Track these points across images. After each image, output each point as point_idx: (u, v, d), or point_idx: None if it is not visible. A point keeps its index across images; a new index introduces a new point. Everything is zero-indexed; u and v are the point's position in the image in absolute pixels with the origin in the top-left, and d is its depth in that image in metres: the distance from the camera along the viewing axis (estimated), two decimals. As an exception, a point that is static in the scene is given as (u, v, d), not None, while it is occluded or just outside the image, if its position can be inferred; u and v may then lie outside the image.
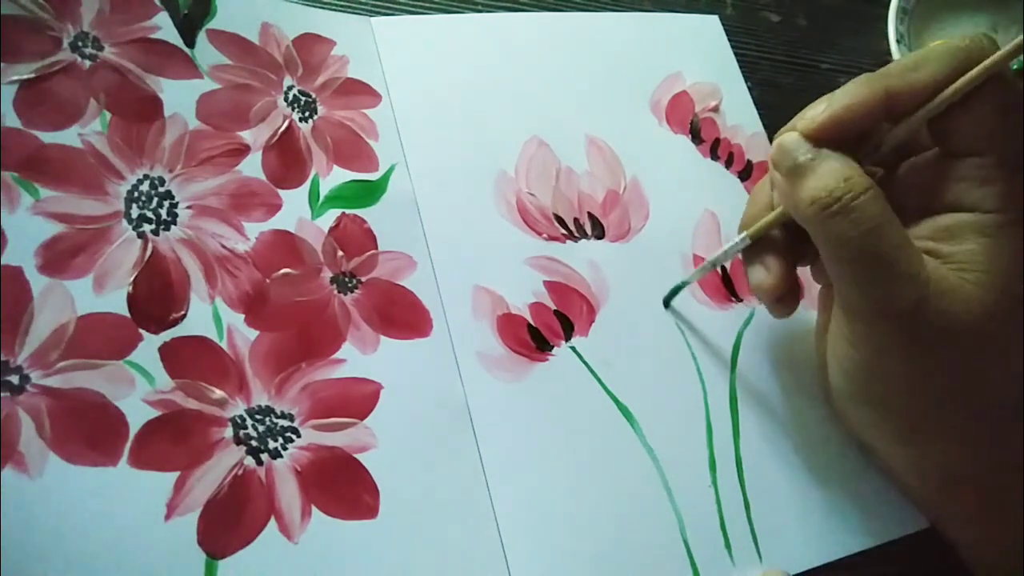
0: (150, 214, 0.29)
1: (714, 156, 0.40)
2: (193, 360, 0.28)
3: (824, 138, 0.27)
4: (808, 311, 0.37)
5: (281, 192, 0.32)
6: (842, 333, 0.29)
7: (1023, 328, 0.27)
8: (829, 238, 0.26)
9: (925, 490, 0.31)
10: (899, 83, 0.26)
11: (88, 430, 0.25)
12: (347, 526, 0.27)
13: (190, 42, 0.33)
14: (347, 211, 0.32)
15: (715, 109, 0.41)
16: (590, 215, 0.36)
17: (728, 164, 0.40)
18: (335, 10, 0.37)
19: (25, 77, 0.29)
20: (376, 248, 0.32)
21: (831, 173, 0.26)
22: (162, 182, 0.30)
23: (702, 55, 0.43)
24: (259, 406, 0.28)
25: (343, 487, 0.27)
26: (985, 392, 0.27)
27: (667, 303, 0.35)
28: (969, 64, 0.25)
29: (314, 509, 0.27)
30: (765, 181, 0.31)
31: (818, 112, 0.27)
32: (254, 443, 0.27)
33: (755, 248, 0.31)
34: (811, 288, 0.35)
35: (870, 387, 0.29)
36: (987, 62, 0.25)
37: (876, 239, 0.25)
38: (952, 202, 0.27)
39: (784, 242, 0.30)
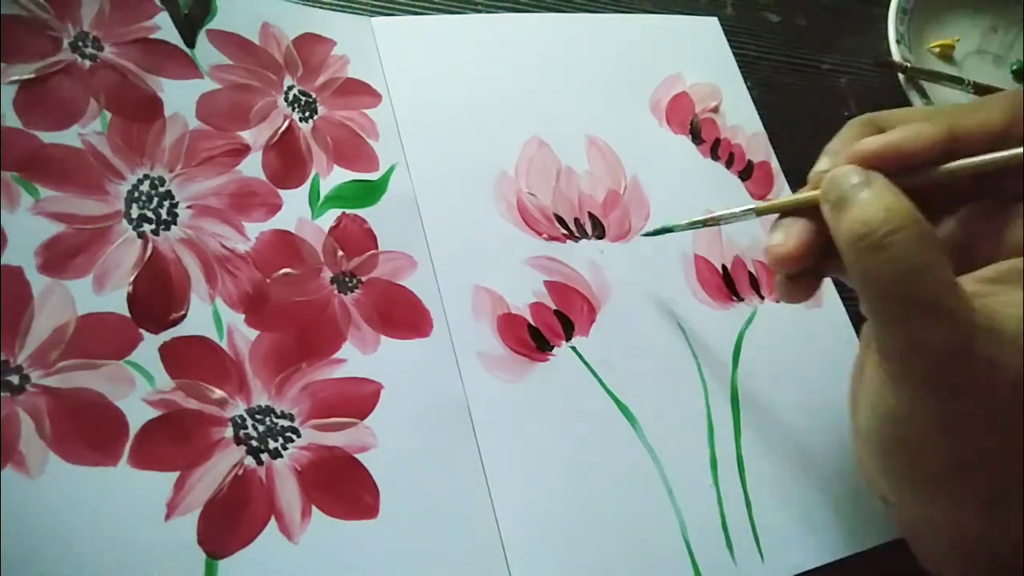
0: (150, 214, 0.29)
1: (714, 156, 0.40)
2: (193, 360, 0.28)
3: (877, 166, 0.25)
4: (812, 310, 0.37)
5: (281, 192, 0.32)
6: (876, 373, 0.26)
7: None
8: (863, 274, 0.24)
9: (942, 557, 0.28)
10: (961, 122, 0.25)
11: (88, 430, 0.25)
12: (347, 526, 0.27)
13: (190, 42, 0.33)
14: (347, 211, 0.32)
15: (715, 110, 0.41)
16: (590, 215, 0.36)
17: (728, 164, 0.40)
18: (335, 10, 0.37)
19: (25, 77, 0.29)
20: (376, 248, 0.32)
21: (871, 203, 0.24)
22: (162, 182, 0.30)
23: (702, 56, 0.43)
24: (259, 406, 0.28)
25: (343, 487, 0.27)
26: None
27: (647, 236, 0.35)
28: None
29: (314, 509, 0.27)
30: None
31: (874, 140, 0.25)
32: (254, 443, 0.27)
33: (787, 219, 0.28)
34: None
35: (898, 433, 0.26)
36: None
37: (913, 279, 0.23)
38: (1021, 244, 0.25)
39: (818, 229, 0.27)
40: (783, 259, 0.27)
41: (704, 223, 0.32)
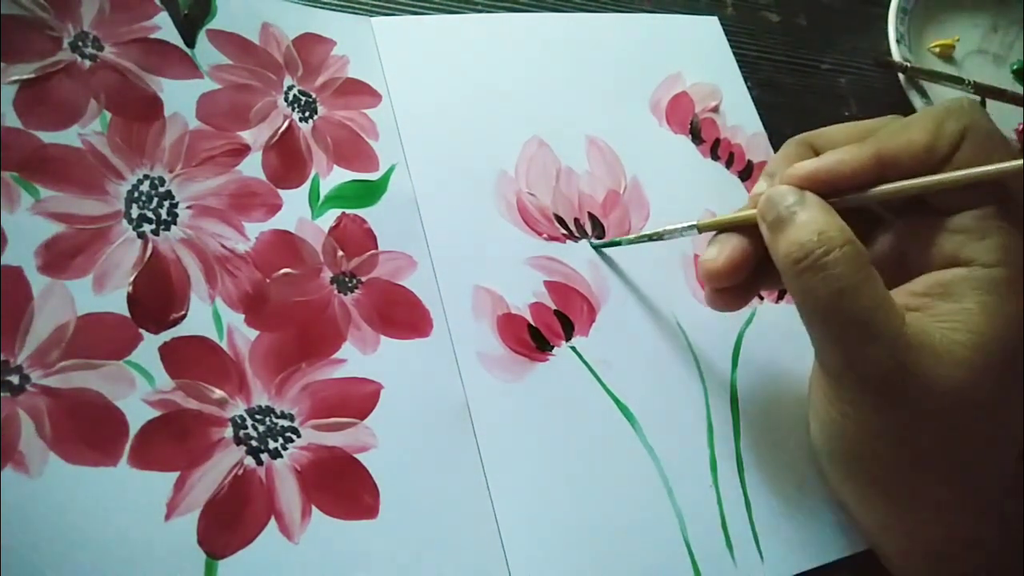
0: (150, 214, 0.29)
1: (714, 156, 0.40)
2: (193, 360, 0.28)
3: (811, 188, 0.26)
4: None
5: (281, 192, 0.32)
6: (821, 388, 0.28)
7: (1012, 397, 0.25)
8: (802, 295, 0.25)
9: (896, 559, 0.29)
10: (888, 145, 0.26)
11: (88, 430, 0.25)
12: (347, 526, 0.27)
13: (190, 42, 0.33)
14: (347, 211, 0.32)
15: (715, 109, 0.41)
16: (590, 215, 0.36)
17: (728, 164, 0.40)
18: (335, 10, 0.37)
19: (25, 77, 0.29)
20: (376, 248, 0.32)
21: (806, 225, 0.25)
22: (162, 182, 0.30)
23: (702, 56, 0.43)
24: (259, 406, 0.28)
25: (343, 487, 0.27)
26: (963, 463, 0.26)
27: (596, 248, 0.35)
28: (952, 127, 0.25)
29: (314, 509, 0.27)
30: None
31: (807, 164, 0.27)
32: (254, 443, 0.27)
33: (724, 235, 0.29)
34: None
35: (845, 446, 0.28)
36: (991, 168, 0.24)
37: (849, 299, 0.24)
38: (949, 256, 0.26)
39: (754, 246, 0.28)
40: (713, 273, 0.29)
41: (649, 237, 0.33)
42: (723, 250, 0.29)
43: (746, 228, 0.28)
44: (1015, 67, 0.50)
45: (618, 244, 0.35)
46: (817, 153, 0.29)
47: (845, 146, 0.27)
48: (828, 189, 0.26)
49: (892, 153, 0.26)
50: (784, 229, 0.26)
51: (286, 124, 0.33)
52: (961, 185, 0.25)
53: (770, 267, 0.27)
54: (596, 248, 0.35)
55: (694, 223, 0.31)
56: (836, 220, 0.25)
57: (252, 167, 0.32)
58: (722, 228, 0.29)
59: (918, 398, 0.25)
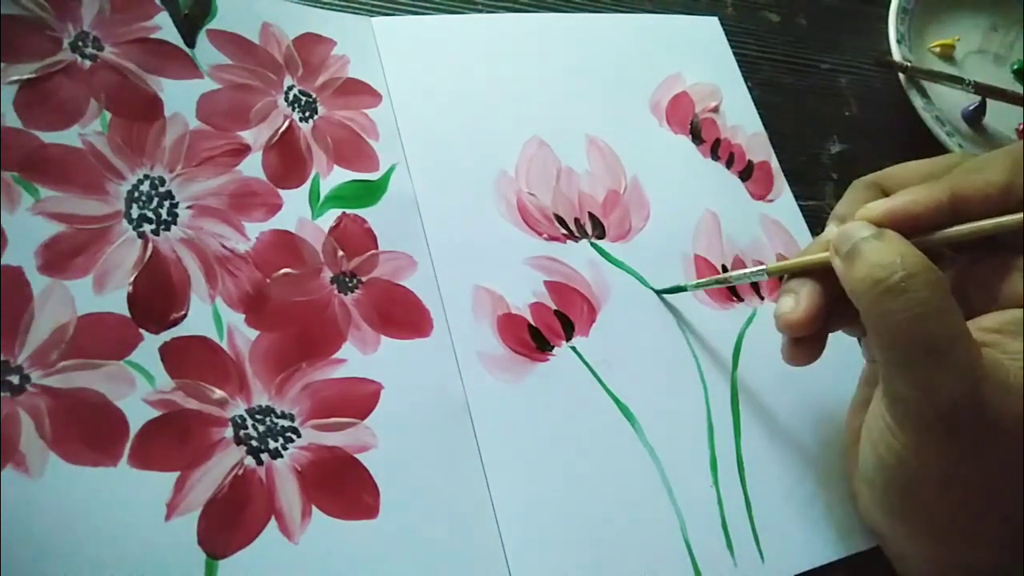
0: (150, 214, 0.29)
1: (715, 156, 0.40)
2: (193, 360, 0.28)
3: (885, 226, 0.26)
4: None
5: (281, 192, 0.32)
6: (882, 415, 0.27)
7: None
8: (880, 318, 0.25)
9: None
10: (963, 184, 0.26)
11: (88, 430, 0.25)
12: (347, 526, 0.27)
13: (190, 42, 0.33)
14: (347, 211, 0.32)
15: (715, 110, 0.41)
16: (591, 215, 0.36)
17: (729, 164, 0.40)
18: (335, 10, 0.37)
19: (25, 77, 0.29)
20: (376, 248, 0.32)
21: (886, 250, 0.25)
22: (162, 182, 0.30)
23: (702, 56, 0.43)
24: (259, 406, 0.28)
25: (343, 487, 0.27)
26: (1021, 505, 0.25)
27: (660, 294, 0.35)
28: None
29: (314, 509, 0.27)
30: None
31: (879, 204, 0.27)
32: (254, 443, 0.27)
33: (794, 282, 0.29)
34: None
35: (902, 476, 0.27)
36: None
37: (929, 324, 0.24)
38: (1021, 295, 0.26)
39: (826, 291, 0.28)
40: (795, 325, 0.28)
41: (717, 282, 0.34)
42: (800, 299, 0.28)
43: (815, 273, 0.28)
44: (1015, 67, 0.50)
45: (683, 290, 0.35)
46: (886, 194, 0.29)
47: (917, 186, 0.27)
48: (901, 229, 0.26)
49: (967, 193, 0.26)
50: (861, 255, 0.25)
51: (286, 124, 0.33)
52: None
53: (840, 309, 0.27)
54: (659, 294, 0.35)
55: (763, 267, 0.31)
56: (914, 248, 0.25)
57: (252, 167, 0.32)
58: (793, 272, 0.29)
59: (986, 432, 0.24)
